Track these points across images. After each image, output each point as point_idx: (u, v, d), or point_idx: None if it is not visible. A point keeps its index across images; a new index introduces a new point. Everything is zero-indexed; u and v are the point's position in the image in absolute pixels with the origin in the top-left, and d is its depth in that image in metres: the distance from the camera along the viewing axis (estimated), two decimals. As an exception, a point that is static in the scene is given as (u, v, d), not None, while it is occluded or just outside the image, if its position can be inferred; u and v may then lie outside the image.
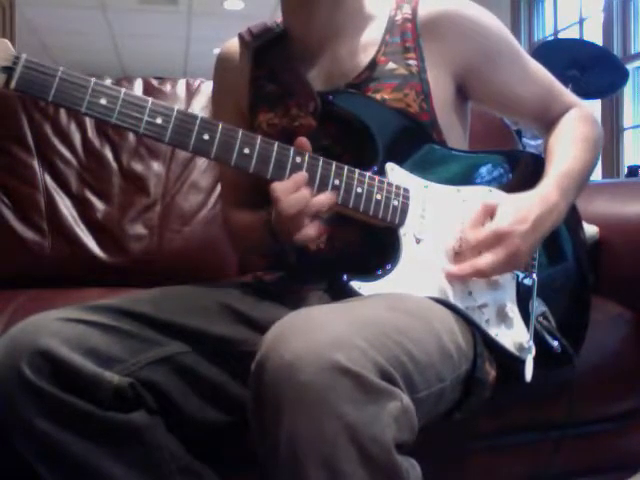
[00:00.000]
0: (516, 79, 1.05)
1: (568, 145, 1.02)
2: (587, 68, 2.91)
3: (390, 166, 0.94)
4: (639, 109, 3.91)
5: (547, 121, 1.09)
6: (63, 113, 1.54)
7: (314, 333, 0.67)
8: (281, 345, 0.66)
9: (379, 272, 0.89)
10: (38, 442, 0.79)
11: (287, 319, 0.71)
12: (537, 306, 0.97)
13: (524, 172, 1.06)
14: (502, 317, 0.96)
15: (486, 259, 0.88)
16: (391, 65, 0.99)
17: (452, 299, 0.91)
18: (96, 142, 1.54)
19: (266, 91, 1.04)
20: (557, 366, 1.00)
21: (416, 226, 0.93)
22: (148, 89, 1.58)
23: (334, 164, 0.88)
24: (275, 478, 0.66)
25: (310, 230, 0.85)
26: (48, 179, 1.50)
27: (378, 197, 0.90)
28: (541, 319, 0.98)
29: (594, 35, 4.09)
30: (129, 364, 0.83)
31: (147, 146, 1.55)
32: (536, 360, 0.93)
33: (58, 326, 0.81)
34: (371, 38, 1.01)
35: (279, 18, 1.07)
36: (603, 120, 3.84)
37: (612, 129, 3.85)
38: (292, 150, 0.86)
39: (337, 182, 0.87)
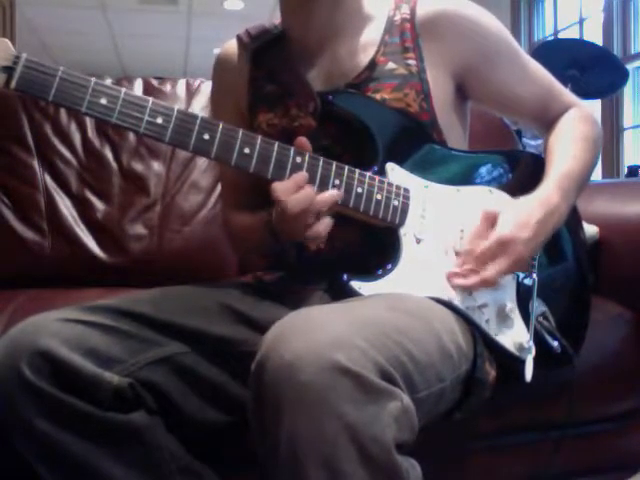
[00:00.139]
0: (515, 79, 1.05)
1: (568, 145, 1.02)
2: (587, 68, 2.91)
3: (390, 166, 0.94)
4: (639, 109, 3.91)
5: (546, 121, 1.09)
6: (63, 113, 1.54)
7: (314, 333, 0.67)
8: (281, 345, 0.66)
9: (379, 272, 0.89)
10: (38, 442, 0.79)
11: (287, 319, 0.71)
12: (537, 306, 0.97)
13: (524, 172, 1.06)
14: (502, 317, 0.96)
15: (492, 270, 0.88)
16: (391, 65, 0.99)
17: (452, 299, 0.91)
18: (96, 142, 1.54)
19: (265, 92, 1.04)
20: (557, 366, 1.00)
21: (416, 226, 0.93)
22: (148, 89, 1.58)
23: (334, 164, 0.88)
24: (275, 478, 0.66)
25: (320, 227, 0.85)
26: (48, 179, 1.50)
27: (378, 197, 0.90)
28: (541, 319, 0.98)
29: (594, 35, 4.09)
30: (129, 364, 0.83)
31: (147, 146, 1.55)
32: (536, 360, 0.93)
33: (58, 326, 0.81)
34: (370, 38, 1.01)
35: (278, 19, 1.07)
36: (603, 120, 3.84)
37: (612, 129, 3.85)
38: (292, 150, 0.86)
39: (337, 182, 0.87)
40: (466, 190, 0.98)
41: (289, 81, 1.02)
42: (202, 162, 1.57)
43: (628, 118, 3.91)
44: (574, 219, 1.07)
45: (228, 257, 1.49)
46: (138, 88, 1.57)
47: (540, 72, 1.08)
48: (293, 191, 0.83)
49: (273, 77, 1.04)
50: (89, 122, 1.55)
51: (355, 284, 0.87)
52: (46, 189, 1.49)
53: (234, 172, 1.03)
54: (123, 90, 0.79)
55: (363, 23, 1.02)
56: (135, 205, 1.51)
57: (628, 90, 3.83)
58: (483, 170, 1.01)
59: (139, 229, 1.50)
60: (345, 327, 0.69)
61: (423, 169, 0.96)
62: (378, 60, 0.99)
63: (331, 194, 0.86)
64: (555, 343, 0.98)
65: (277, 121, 1.02)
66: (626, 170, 3.47)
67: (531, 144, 2.92)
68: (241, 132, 0.84)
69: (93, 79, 0.79)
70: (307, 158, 0.86)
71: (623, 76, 3.03)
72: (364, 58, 1.00)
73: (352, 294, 0.86)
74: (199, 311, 0.92)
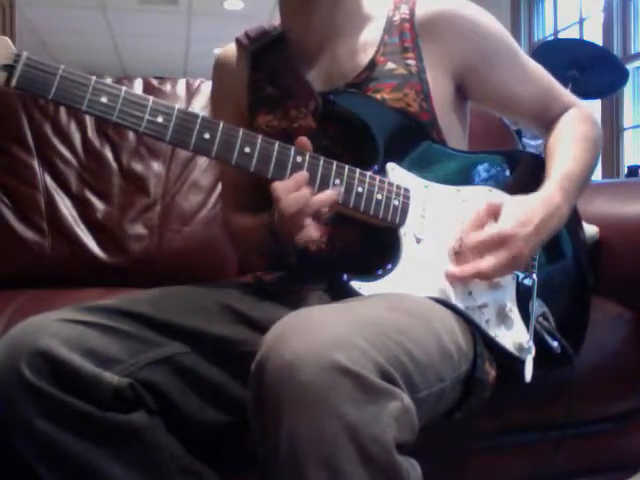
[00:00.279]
0: (514, 79, 1.05)
1: (568, 145, 1.02)
2: (587, 68, 2.91)
3: (391, 166, 0.94)
4: (639, 109, 3.91)
5: (546, 121, 1.09)
6: (63, 113, 1.54)
7: (314, 333, 0.67)
8: (281, 345, 0.66)
9: (379, 272, 0.89)
10: (38, 442, 0.79)
11: (287, 319, 0.71)
12: (537, 306, 0.97)
13: (524, 172, 1.06)
14: (502, 317, 0.96)
15: (488, 262, 0.88)
16: (390, 65, 0.99)
17: (452, 299, 0.91)
18: (96, 142, 1.54)
19: (265, 94, 1.04)
20: (557, 366, 1.00)
21: (416, 226, 0.93)
22: (148, 89, 1.58)
23: (335, 163, 0.88)
24: (275, 478, 0.66)
25: (311, 231, 0.85)
26: (48, 179, 1.50)
27: (379, 197, 0.90)
28: (541, 319, 0.98)
29: (594, 35, 4.09)
30: (128, 365, 0.83)
31: (147, 146, 1.55)
32: (536, 360, 0.93)
33: (57, 327, 0.81)
34: (370, 38, 1.01)
35: (278, 20, 1.07)
36: (603, 120, 3.84)
37: (612, 129, 3.85)
38: (293, 149, 0.86)
39: (338, 182, 0.87)
40: (466, 190, 0.98)
41: (289, 82, 1.02)
42: (202, 162, 1.57)
43: (628, 118, 3.91)
44: (574, 219, 1.07)
45: (228, 257, 1.49)
46: (138, 88, 1.58)
47: (539, 72, 1.08)
48: (293, 190, 0.83)
49: (273, 79, 1.04)
50: (89, 122, 1.55)
51: (355, 284, 0.87)
52: (46, 189, 1.49)
53: (234, 172, 1.03)
54: (124, 89, 0.79)
55: (362, 23, 1.02)
56: (135, 205, 1.51)
57: (628, 90, 3.83)
58: (483, 170, 1.01)
59: (139, 229, 1.50)
60: (345, 327, 0.69)
61: (423, 169, 0.96)
62: (378, 60, 0.99)
63: (327, 195, 0.85)
64: (555, 343, 0.98)
65: (276, 123, 1.02)
66: (626, 170, 3.48)
67: (531, 144, 2.92)
68: (242, 131, 0.84)
69: (94, 77, 0.79)
70: (308, 158, 0.86)
71: (623, 76, 3.03)
72: (364, 58, 1.00)
73: (352, 294, 0.86)
74: (199, 311, 0.92)
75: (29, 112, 1.51)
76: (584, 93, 2.82)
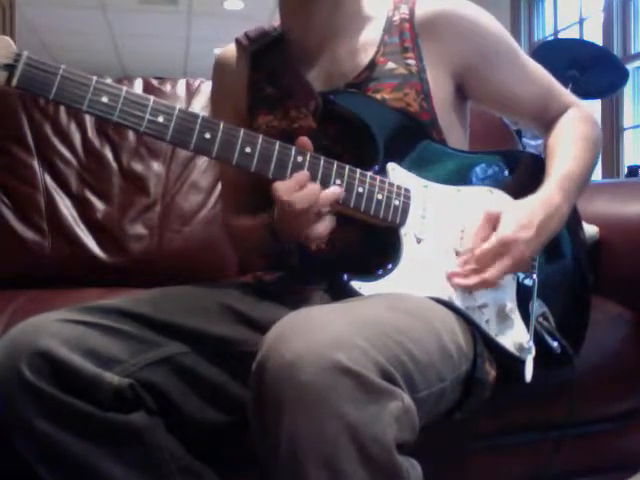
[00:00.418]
0: (514, 79, 1.05)
1: (568, 145, 1.02)
2: (587, 68, 2.91)
3: (391, 166, 0.94)
4: (639, 109, 3.91)
5: (546, 121, 1.09)
6: (63, 113, 1.54)
7: (315, 333, 0.67)
8: (282, 345, 0.66)
9: (380, 272, 0.89)
10: (38, 443, 0.79)
11: (288, 319, 0.71)
12: (537, 306, 0.97)
13: (524, 172, 1.06)
14: (502, 317, 0.96)
15: (493, 270, 0.88)
16: (390, 65, 0.99)
17: (452, 299, 0.91)
18: (96, 142, 1.54)
19: (265, 94, 1.04)
20: (557, 366, 1.00)
21: (417, 226, 0.93)
22: (148, 89, 1.58)
23: (335, 163, 0.88)
24: (275, 478, 0.66)
25: (320, 227, 0.85)
26: (48, 179, 1.50)
27: (379, 197, 0.90)
28: (541, 319, 0.98)
29: (594, 35, 4.09)
30: (129, 365, 0.83)
31: (147, 146, 1.55)
32: (536, 360, 0.93)
33: (57, 327, 0.81)
34: (370, 38, 1.01)
35: (278, 20, 1.07)
36: (603, 120, 3.84)
37: (612, 129, 3.85)
38: (293, 149, 0.86)
39: (338, 182, 0.87)
40: (466, 190, 0.98)
41: (289, 82, 1.02)
42: (202, 162, 1.57)
43: (628, 118, 3.91)
44: (574, 219, 1.07)
45: (228, 257, 1.49)
46: (138, 88, 1.58)
47: (539, 72, 1.08)
48: (294, 190, 0.83)
49: (273, 79, 1.04)
50: (89, 122, 1.55)
51: (355, 284, 0.87)
52: (46, 189, 1.49)
53: (234, 172, 1.03)
54: (124, 88, 0.80)
55: (362, 24, 1.02)
56: (135, 205, 1.51)
57: (628, 90, 3.83)
58: (483, 170, 1.01)
59: (139, 229, 1.50)
60: (346, 327, 0.69)
61: (424, 169, 0.96)
62: (378, 60, 0.99)
63: (333, 191, 0.86)
64: (555, 343, 0.98)
65: (277, 123, 1.02)
66: (626, 170, 3.48)
67: (531, 144, 2.92)
68: (242, 131, 0.84)
69: (94, 77, 0.79)
70: (308, 157, 0.86)
71: (623, 76, 3.03)
72: (364, 58, 1.00)
73: (352, 294, 0.86)
74: (199, 311, 0.92)
75: (29, 112, 1.51)
76: (584, 93, 2.82)
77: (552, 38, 4.59)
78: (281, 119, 1.01)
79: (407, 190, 0.93)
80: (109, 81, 0.79)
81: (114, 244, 1.48)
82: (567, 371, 1.00)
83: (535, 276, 0.98)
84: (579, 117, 1.07)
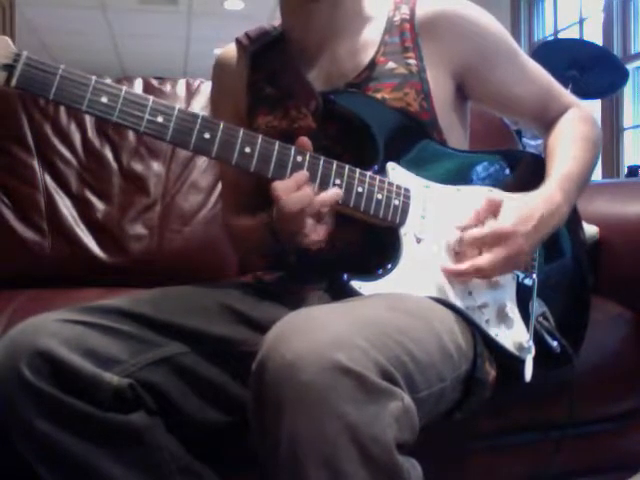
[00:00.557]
0: (514, 79, 1.05)
1: (568, 146, 1.02)
2: (587, 68, 2.91)
3: (391, 165, 0.94)
4: (639, 109, 3.91)
5: (546, 121, 1.09)
6: (63, 113, 1.54)
7: (315, 333, 0.67)
8: (282, 345, 0.66)
9: (380, 272, 0.89)
10: (38, 443, 0.79)
11: (288, 319, 0.71)
12: (537, 306, 0.97)
13: (524, 172, 1.06)
14: (502, 317, 0.96)
15: (486, 258, 0.88)
16: (391, 65, 0.99)
17: (452, 299, 0.91)
18: (96, 142, 1.54)
19: (265, 94, 1.04)
20: (557, 366, 1.00)
21: (417, 226, 0.93)
22: (148, 89, 1.58)
23: (335, 163, 0.88)
24: (275, 478, 0.66)
25: (319, 230, 0.85)
26: (48, 179, 1.50)
27: (379, 197, 0.90)
28: (541, 319, 0.98)
29: (594, 35, 4.09)
30: (128, 365, 0.83)
31: (147, 146, 1.55)
32: (536, 360, 0.93)
33: (57, 327, 0.81)
34: (370, 38, 1.01)
35: (278, 20, 1.07)
36: (603, 120, 3.84)
37: (612, 129, 3.85)
38: (293, 149, 0.86)
39: (338, 181, 0.87)
40: (466, 190, 0.98)
41: (289, 82, 1.02)
42: (202, 162, 1.57)
43: (628, 118, 3.91)
44: (574, 219, 1.07)
45: (228, 257, 1.49)
46: (138, 88, 1.58)
47: (539, 72, 1.08)
48: (293, 190, 0.83)
49: (273, 79, 1.04)
50: (89, 122, 1.55)
51: (355, 284, 0.87)
52: (46, 189, 1.49)
53: (234, 172, 1.03)
54: (124, 88, 0.79)
55: (363, 24, 1.02)
56: (135, 205, 1.51)
57: (628, 90, 3.83)
58: (483, 170, 1.01)
59: (139, 229, 1.50)
60: (346, 327, 0.69)
61: (423, 169, 0.96)
62: (378, 60, 0.99)
63: (330, 195, 0.85)
64: (555, 343, 0.98)
65: (277, 123, 1.02)
66: (626, 170, 3.48)
67: (531, 144, 2.92)
68: (242, 131, 0.84)
69: (94, 77, 0.79)
70: (308, 157, 0.86)
71: (623, 76, 3.03)
72: (364, 58, 1.00)
73: (352, 294, 0.86)
74: (199, 311, 0.92)
75: (29, 112, 1.51)
76: (584, 93, 2.82)
77: (552, 38, 4.59)
78: (281, 119, 1.01)
79: (407, 190, 0.93)
80: (109, 81, 0.79)
81: (114, 244, 1.48)
82: (567, 371, 1.00)
83: (535, 276, 0.98)
84: (579, 117, 1.07)
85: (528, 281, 0.98)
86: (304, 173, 0.85)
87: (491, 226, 0.89)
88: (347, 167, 0.89)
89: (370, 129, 0.93)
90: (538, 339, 0.96)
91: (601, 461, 1.24)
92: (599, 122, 1.13)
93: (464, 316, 0.91)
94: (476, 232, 0.89)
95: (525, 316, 0.97)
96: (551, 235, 0.95)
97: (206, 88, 1.60)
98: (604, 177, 3.80)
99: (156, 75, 1.72)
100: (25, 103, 1.51)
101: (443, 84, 1.01)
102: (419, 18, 1.01)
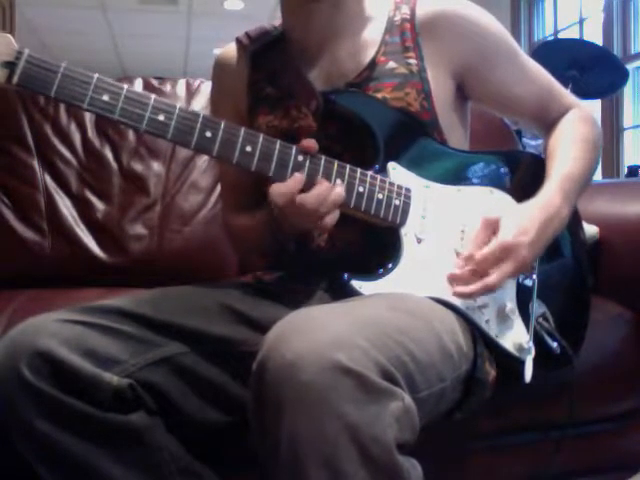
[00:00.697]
0: (514, 79, 1.05)
1: (568, 146, 1.02)
2: (587, 68, 2.91)
3: (392, 165, 0.94)
4: (639, 109, 3.91)
5: (546, 121, 1.09)
6: (63, 113, 1.54)
7: (315, 333, 0.67)
8: (282, 345, 0.66)
9: (380, 271, 0.89)
10: (38, 443, 0.79)
11: (288, 319, 0.71)
12: (537, 307, 0.97)
13: (524, 172, 1.06)
14: (502, 318, 0.95)
15: (495, 276, 0.86)
16: (391, 64, 0.99)
17: (452, 299, 0.91)
18: (96, 142, 1.53)
19: (265, 93, 1.04)
20: (556, 367, 1.00)
21: (417, 226, 0.93)
22: (148, 89, 1.58)
23: (336, 163, 0.88)
24: (275, 478, 0.66)
25: (328, 220, 0.85)
26: (48, 179, 1.50)
27: (379, 196, 0.90)
28: (541, 320, 0.98)
29: (594, 35, 4.09)
30: (128, 365, 0.83)
31: (147, 146, 1.55)
32: (536, 361, 0.93)
33: (57, 327, 0.81)
34: (370, 38, 1.01)
35: (278, 19, 1.07)
36: (603, 120, 3.84)
37: (612, 129, 3.85)
38: (294, 148, 0.86)
39: (339, 181, 0.87)
40: (467, 190, 0.98)
41: (289, 82, 1.02)
42: (202, 162, 1.57)
43: (628, 118, 3.91)
44: (574, 219, 1.07)
45: (228, 257, 1.49)
46: (138, 88, 1.57)
47: (539, 72, 1.08)
48: (290, 196, 0.83)
49: (273, 79, 1.04)
50: (89, 122, 1.55)
51: (356, 284, 0.87)
52: (46, 189, 1.49)
53: (234, 172, 1.03)
54: (125, 87, 0.79)
55: (363, 23, 1.02)
56: (135, 205, 1.51)
57: (628, 90, 3.83)
58: (484, 170, 1.01)
59: (139, 229, 1.50)
60: (346, 327, 0.69)
61: (424, 169, 0.96)
62: (378, 60, 0.99)
63: (337, 192, 0.86)
64: (554, 344, 0.98)
65: (277, 123, 1.02)
66: (626, 170, 3.48)
67: (531, 144, 2.92)
68: (243, 130, 0.84)
69: (95, 75, 0.79)
70: (309, 156, 0.86)
71: (623, 76, 3.03)
72: (364, 58, 1.00)
73: (353, 294, 0.86)
74: (199, 311, 0.92)
75: (29, 112, 1.51)
76: (584, 93, 2.82)
77: (552, 38, 4.59)
78: (281, 119, 1.01)
79: (407, 190, 0.93)
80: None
81: (114, 244, 1.48)
82: (567, 371, 1.00)
83: (535, 276, 0.97)
84: (579, 118, 1.07)
85: (528, 282, 0.98)
86: (301, 178, 0.85)
87: (494, 244, 0.88)
88: (348, 167, 0.89)
89: (371, 129, 0.93)
90: (538, 340, 0.96)
91: (601, 461, 1.24)
92: (599, 122, 1.13)
93: (464, 316, 0.91)
94: (481, 252, 0.87)
95: (525, 317, 0.97)
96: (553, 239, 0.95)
97: (206, 88, 1.60)
98: (604, 177, 3.80)
99: (156, 75, 1.72)
100: (25, 103, 1.51)
101: (443, 84, 1.01)
102: (419, 18, 1.01)
